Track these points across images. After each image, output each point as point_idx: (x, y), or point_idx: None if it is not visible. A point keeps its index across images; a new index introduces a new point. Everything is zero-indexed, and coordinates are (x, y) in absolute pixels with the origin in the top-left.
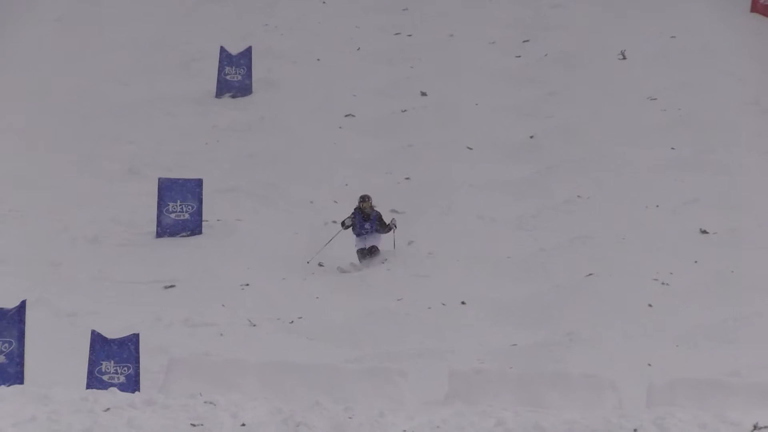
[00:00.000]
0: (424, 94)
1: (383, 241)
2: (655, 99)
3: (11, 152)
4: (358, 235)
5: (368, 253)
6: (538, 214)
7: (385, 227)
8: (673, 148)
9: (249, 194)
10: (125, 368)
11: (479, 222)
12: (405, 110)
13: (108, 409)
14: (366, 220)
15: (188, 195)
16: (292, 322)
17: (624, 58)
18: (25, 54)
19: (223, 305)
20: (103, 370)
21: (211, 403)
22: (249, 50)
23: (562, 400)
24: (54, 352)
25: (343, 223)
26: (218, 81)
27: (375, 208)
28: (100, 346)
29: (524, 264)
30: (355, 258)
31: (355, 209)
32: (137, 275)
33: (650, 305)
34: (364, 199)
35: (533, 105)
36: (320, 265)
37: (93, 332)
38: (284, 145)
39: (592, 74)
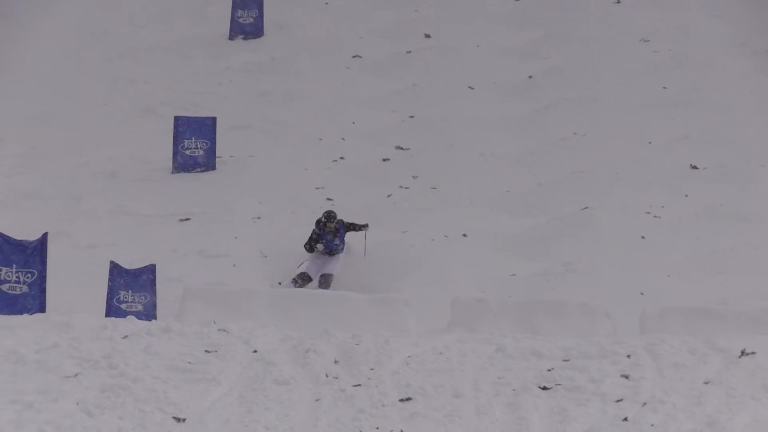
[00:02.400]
0: (427, 36)
1: (341, 262)
2: (647, 41)
3: (34, 93)
4: (325, 251)
5: (321, 281)
6: (537, 150)
7: (358, 227)
8: (664, 88)
9: (260, 131)
10: (142, 297)
11: (480, 158)
12: (409, 51)
13: (126, 336)
14: (335, 236)
15: (202, 132)
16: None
17: (618, 2)
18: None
19: (235, 237)
20: (122, 299)
21: (224, 330)
22: None
23: (558, 327)
24: (75, 282)
25: (311, 248)
26: (231, 24)
27: (338, 221)
28: (119, 277)
29: (523, 198)
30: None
31: (318, 229)
32: (154, 209)
33: (643, 237)
34: (330, 218)
35: (532, 47)
36: (329, 199)
37: (112, 263)
38: (294, 85)
39: (587, 17)
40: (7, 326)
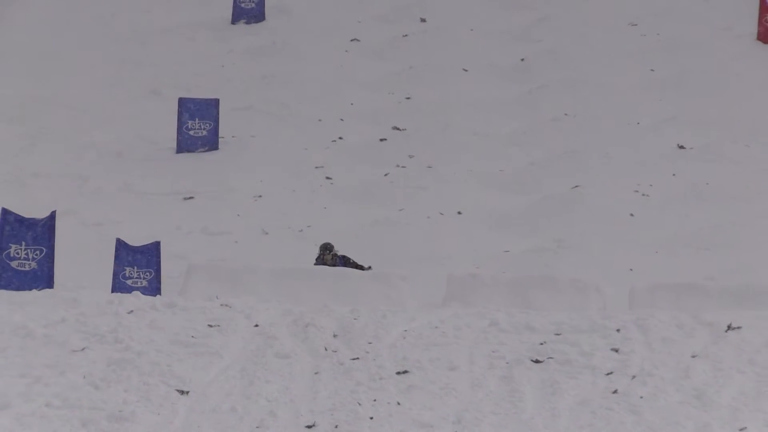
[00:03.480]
0: (423, 20)
1: None
2: (636, 25)
3: (42, 74)
4: None
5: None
6: (529, 130)
7: (359, 267)
8: (652, 70)
9: (262, 113)
10: (147, 273)
11: (474, 138)
12: (406, 35)
13: (132, 311)
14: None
15: (206, 113)
16: (302, 230)
17: None
18: None
19: (238, 215)
20: (127, 275)
21: (226, 305)
22: None
23: (550, 302)
24: (82, 258)
25: None
26: (233, 8)
27: (338, 255)
28: (125, 253)
29: (516, 177)
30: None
31: (316, 260)
32: (158, 188)
33: (632, 215)
34: (328, 248)
35: (524, 30)
36: (328, 178)
37: (117, 240)
38: (294, 68)
39: (578, 2)
40: (17, 302)
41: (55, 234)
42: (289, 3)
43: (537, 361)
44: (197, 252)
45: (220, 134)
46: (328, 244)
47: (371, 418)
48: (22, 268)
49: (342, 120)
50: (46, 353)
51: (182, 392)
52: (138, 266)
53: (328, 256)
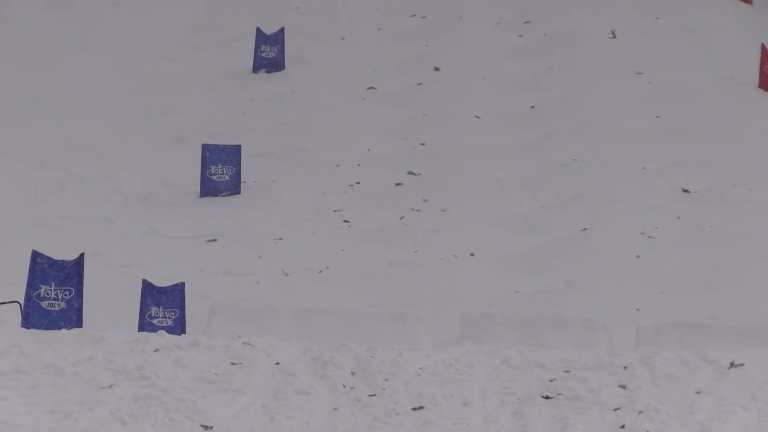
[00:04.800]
0: (437, 69)
1: None
2: (641, 73)
3: (71, 121)
4: None
5: None
6: (539, 175)
7: None
8: (657, 117)
9: (282, 158)
10: (172, 313)
11: (486, 182)
12: (420, 83)
13: (157, 349)
14: None
15: (228, 159)
16: (321, 271)
17: (614, 36)
18: (83, 34)
19: (259, 257)
20: (153, 315)
21: (248, 344)
22: (282, 30)
23: (560, 341)
24: (109, 299)
25: None
26: (255, 58)
27: None
28: (150, 294)
29: (526, 220)
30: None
31: None
32: (183, 230)
33: (638, 256)
34: None
35: (534, 79)
36: (346, 221)
37: (144, 281)
38: (313, 115)
39: (585, 51)
40: (47, 340)
41: (83, 275)
42: (308, 53)
43: (547, 398)
44: (220, 292)
45: (242, 179)
46: None
47: None
48: (52, 308)
49: (359, 165)
50: (75, 390)
51: (206, 428)
52: (163, 306)
53: None
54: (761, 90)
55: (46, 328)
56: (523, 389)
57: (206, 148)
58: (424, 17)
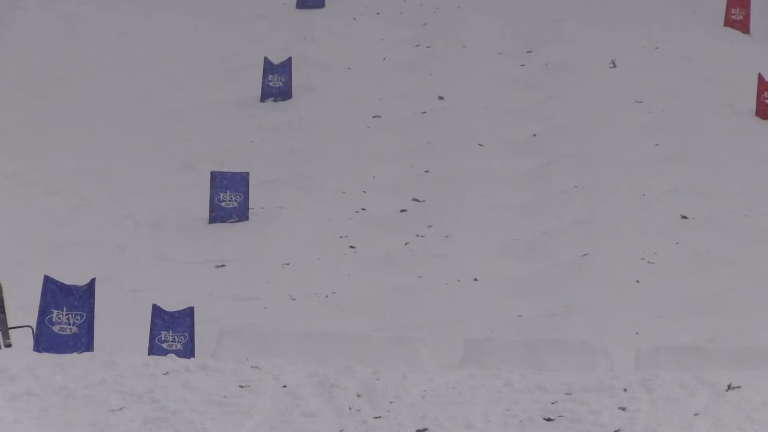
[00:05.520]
0: (441, 98)
1: None
2: (641, 102)
3: (83, 149)
4: None
5: None
6: (540, 201)
7: None
8: (657, 145)
9: (289, 185)
10: (182, 337)
11: (489, 209)
12: (424, 112)
13: (167, 372)
14: None
15: (236, 186)
16: (327, 296)
17: (614, 66)
18: (94, 64)
19: (266, 282)
20: (163, 339)
21: (256, 367)
22: (289, 60)
23: (561, 364)
24: (119, 323)
25: None
26: (262, 87)
27: None
28: (160, 318)
29: (528, 245)
30: None
31: None
32: (192, 256)
33: (638, 281)
34: None
35: (535, 107)
36: (352, 247)
37: (153, 306)
38: (320, 143)
39: (586, 80)
40: (58, 364)
41: (94, 300)
42: (314, 82)
43: (548, 420)
44: (228, 317)
45: (250, 206)
46: None
47: None
48: (63, 332)
49: (365, 192)
50: (86, 412)
51: None
52: (173, 330)
53: None
54: (758, 118)
55: (58, 352)
56: (525, 411)
57: (215, 176)
58: (428, 47)
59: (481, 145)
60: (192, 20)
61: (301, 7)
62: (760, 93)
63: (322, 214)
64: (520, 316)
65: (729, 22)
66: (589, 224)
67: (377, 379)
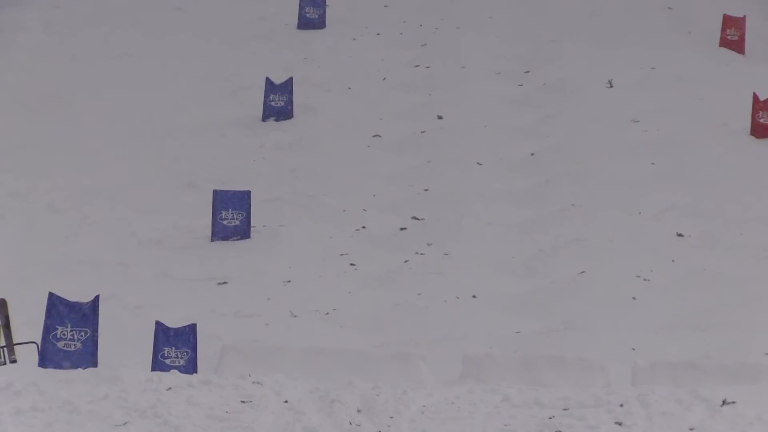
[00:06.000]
0: (440, 117)
1: None
2: (637, 121)
3: (86, 168)
4: None
5: None
6: (538, 219)
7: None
8: (653, 163)
9: (290, 204)
10: (184, 353)
11: (488, 227)
12: (424, 131)
13: (170, 388)
14: None
15: (238, 204)
16: (328, 313)
17: (611, 86)
18: (98, 84)
19: (268, 299)
20: (166, 355)
21: (258, 383)
22: (290, 80)
23: (558, 380)
24: (123, 339)
25: None
26: (264, 107)
27: None
28: (163, 334)
29: (526, 263)
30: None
31: None
32: (194, 273)
33: (634, 298)
34: None
35: (533, 127)
36: (352, 264)
37: (157, 322)
38: (320, 162)
39: (583, 100)
40: (63, 379)
41: (98, 316)
42: (315, 102)
43: None
44: (230, 333)
45: (252, 224)
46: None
47: None
48: (68, 349)
49: (365, 210)
50: (91, 427)
51: None
52: (176, 347)
53: None
54: (753, 137)
55: (63, 368)
56: (523, 426)
57: (217, 194)
58: (427, 67)
59: (480, 164)
60: (194, 41)
61: (302, 28)
62: (754, 112)
63: (323, 232)
64: (518, 332)
65: (724, 43)
66: (586, 242)
67: (377, 395)
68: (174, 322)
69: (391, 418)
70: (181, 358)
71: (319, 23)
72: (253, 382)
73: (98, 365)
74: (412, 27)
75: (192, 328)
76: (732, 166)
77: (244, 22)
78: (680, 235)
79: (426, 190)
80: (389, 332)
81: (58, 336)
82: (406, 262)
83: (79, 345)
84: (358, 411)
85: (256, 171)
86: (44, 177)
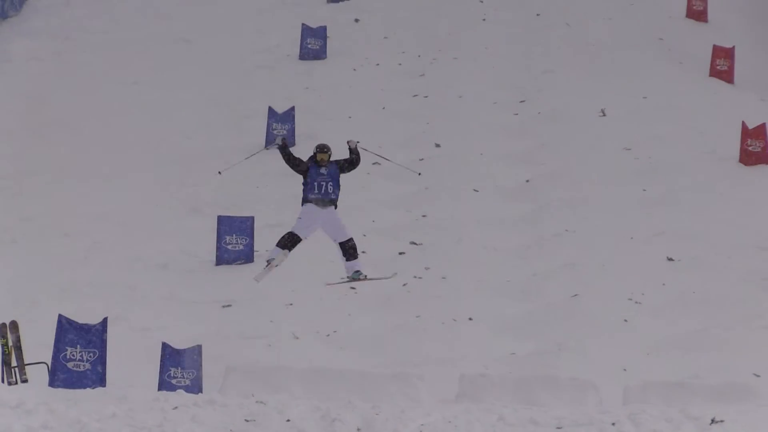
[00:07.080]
0: (438, 145)
1: (344, 219)
2: (629, 149)
3: (96, 193)
4: (311, 192)
5: (345, 255)
6: (533, 244)
7: (352, 157)
8: (644, 190)
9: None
10: (190, 373)
11: (484, 251)
12: (422, 159)
13: (176, 407)
14: (329, 178)
15: (242, 230)
16: (329, 335)
17: (604, 115)
18: (107, 112)
19: (271, 321)
20: (172, 375)
21: (261, 402)
22: (292, 109)
23: (552, 399)
24: (131, 360)
25: (280, 146)
26: (267, 134)
27: (333, 161)
28: (169, 355)
29: (521, 286)
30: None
31: (310, 160)
32: (200, 296)
33: (626, 320)
34: (323, 149)
35: (528, 154)
36: (352, 288)
37: (163, 344)
38: None
39: (577, 128)
40: (72, 398)
41: (106, 338)
42: (316, 129)
43: None
44: (235, 354)
45: (255, 248)
46: (324, 145)
47: None
48: (77, 369)
49: (365, 235)
50: None
51: None
52: (182, 367)
53: (325, 155)
54: (742, 165)
55: (72, 387)
56: None
57: (221, 220)
58: (426, 97)
59: (477, 191)
60: (200, 71)
61: (304, 59)
62: (743, 140)
63: (324, 255)
64: (513, 353)
65: (714, 73)
66: (579, 266)
67: (377, 414)
68: (180, 343)
69: None
70: (187, 378)
71: (320, 54)
72: (257, 402)
73: (106, 385)
74: (410, 58)
75: (197, 349)
76: (721, 192)
77: (248, 53)
78: (671, 259)
79: (424, 215)
80: (388, 353)
81: (68, 357)
82: (404, 285)
83: (87, 365)
84: (359, 430)
85: (259, 197)
86: (54, 202)
